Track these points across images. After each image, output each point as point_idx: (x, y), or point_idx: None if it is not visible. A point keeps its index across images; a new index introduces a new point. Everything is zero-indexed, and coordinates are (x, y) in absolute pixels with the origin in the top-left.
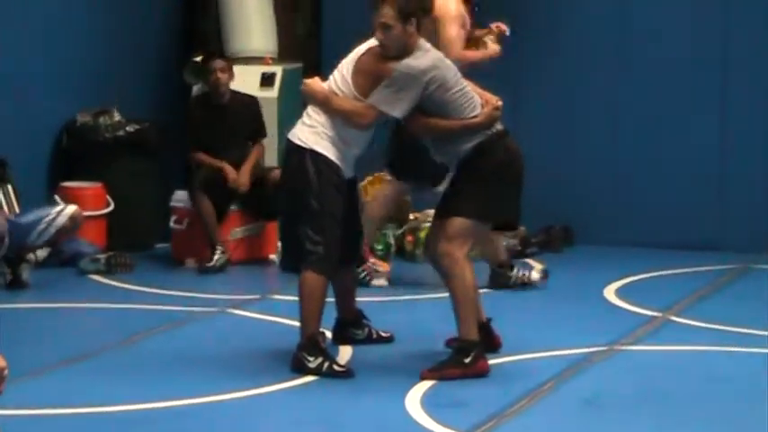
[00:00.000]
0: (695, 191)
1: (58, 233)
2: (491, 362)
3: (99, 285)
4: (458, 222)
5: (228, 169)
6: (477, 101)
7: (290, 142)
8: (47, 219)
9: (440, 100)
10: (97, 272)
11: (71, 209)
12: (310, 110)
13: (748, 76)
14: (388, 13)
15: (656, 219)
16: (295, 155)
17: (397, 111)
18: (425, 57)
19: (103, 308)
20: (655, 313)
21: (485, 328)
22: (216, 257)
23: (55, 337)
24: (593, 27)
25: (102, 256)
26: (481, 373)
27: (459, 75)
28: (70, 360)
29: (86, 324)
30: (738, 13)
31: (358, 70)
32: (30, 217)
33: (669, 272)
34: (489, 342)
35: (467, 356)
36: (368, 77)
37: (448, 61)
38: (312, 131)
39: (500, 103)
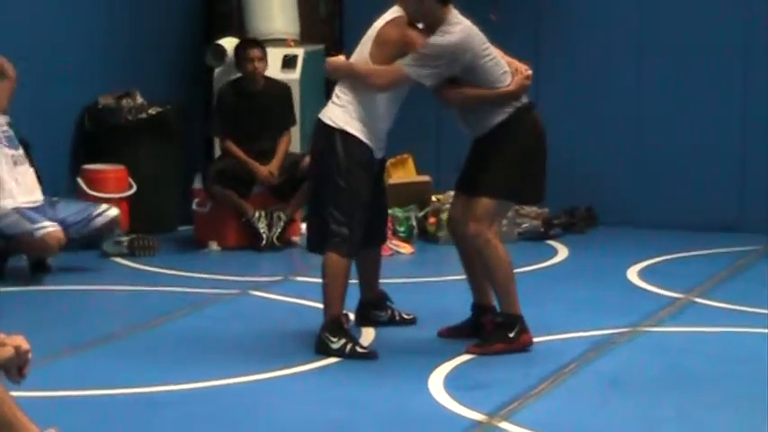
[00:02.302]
0: (717, 173)
1: (94, 231)
2: None
3: (122, 268)
4: (486, 202)
5: (258, 169)
6: (507, 68)
7: (320, 122)
8: (88, 217)
9: (472, 67)
10: (120, 254)
11: (113, 212)
12: (338, 90)
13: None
14: None
15: (678, 201)
16: (324, 135)
17: (429, 81)
18: (456, 29)
19: (126, 290)
20: (677, 295)
21: (491, 311)
22: (262, 231)
23: (78, 319)
24: (617, 9)
25: (125, 239)
26: (525, 346)
27: (487, 42)
28: (94, 342)
29: (109, 306)
30: None
31: (379, 42)
32: (75, 215)
33: (691, 253)
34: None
35: (510, 331)
36: (391, 47)
37: (476, 29)
38: (343, 111)
39: (530, 71)
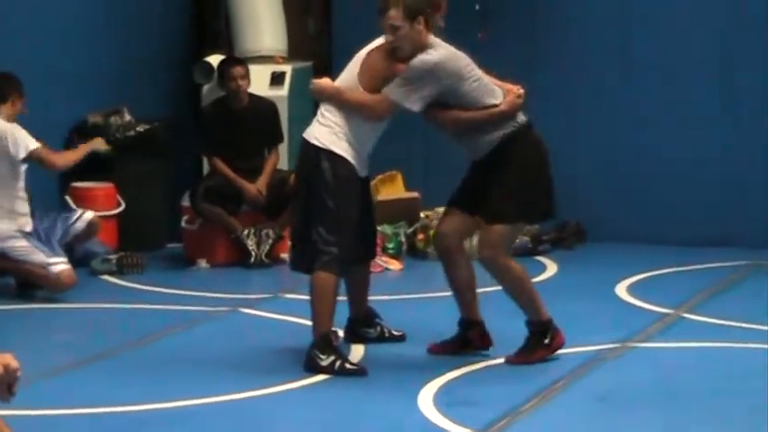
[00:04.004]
0: (707, 188)
1: (74, 238)
2: (504, 360)
3: (110, 286)
4: (501, 229)
5: (247, 188)
6: (497, 90)
7: (305, 142)
8: (67, 225)
9: (457, 91)
10: (108, 272)
11: (89, 215)
12: (324, 109)
13: (758, 71)
14: (395, 15)
15: (667, 216)
16: (311, 155)
17: (416, 105)
18: (437, 51)
19: (115, 308)
20: (667, 310)
21: (478, 326)
22: (251, 248)
23: (67, 337)
24: (604, 23)
25: (114, 257)
26: (560, 347)
27: (473, 65)
28: (83, 361)
29: (98, 324)
30: (743, 7)
31: (366, 68)
32: (58, 230)
33: (681, 269)
34: (482, 341)
35: (545, 337)
36: (376, 76)
37: (460, 53)
38: (329, 132)
39: (522, 91)
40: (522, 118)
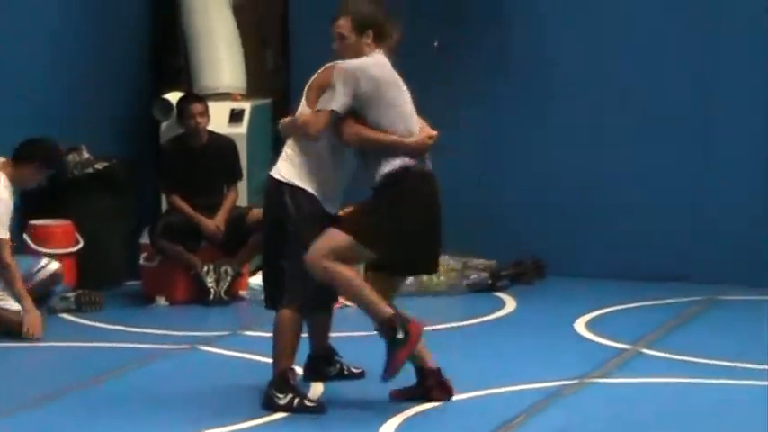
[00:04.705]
0: (665, 224)
1: (37, 285)
2: (462, 396)
3: (68, 324)
4: (338, 238)
5: (205, 224)
6: (414, 126)
7: (270, 178)
8: (30, 272)
9: (373, 105)
10: (67, 310)
11: (54, 266)
12: (287, 145)
13: (728, 106)
14: (344, 24)
15: (626, 251)
16: (275, 189)
17: (334, 104)
18: (368, 58)
19: (73, 346)
20: (625, 345)
21: (434, 374)
22: (210, 285)
23: (24, 375)
24: (570, 53)
25: (72, 294)
26: (419, 335)
27: (402, 92)
28: (40, 399)
29: (56, 363)
30: (720, 42)
31: (312, 86)
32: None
33: (639, 304)
34: (442, 390)
35: (396, 332)
36: (320, 90)
37: (392, 72)
38: (291, 165)
39: (435, 133)
40: (427, 164)
